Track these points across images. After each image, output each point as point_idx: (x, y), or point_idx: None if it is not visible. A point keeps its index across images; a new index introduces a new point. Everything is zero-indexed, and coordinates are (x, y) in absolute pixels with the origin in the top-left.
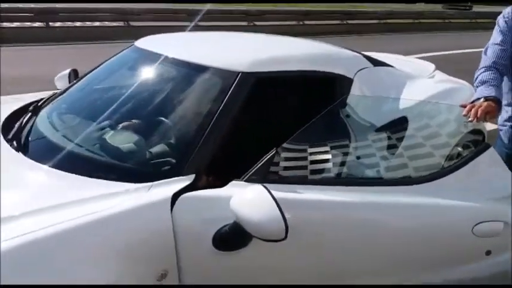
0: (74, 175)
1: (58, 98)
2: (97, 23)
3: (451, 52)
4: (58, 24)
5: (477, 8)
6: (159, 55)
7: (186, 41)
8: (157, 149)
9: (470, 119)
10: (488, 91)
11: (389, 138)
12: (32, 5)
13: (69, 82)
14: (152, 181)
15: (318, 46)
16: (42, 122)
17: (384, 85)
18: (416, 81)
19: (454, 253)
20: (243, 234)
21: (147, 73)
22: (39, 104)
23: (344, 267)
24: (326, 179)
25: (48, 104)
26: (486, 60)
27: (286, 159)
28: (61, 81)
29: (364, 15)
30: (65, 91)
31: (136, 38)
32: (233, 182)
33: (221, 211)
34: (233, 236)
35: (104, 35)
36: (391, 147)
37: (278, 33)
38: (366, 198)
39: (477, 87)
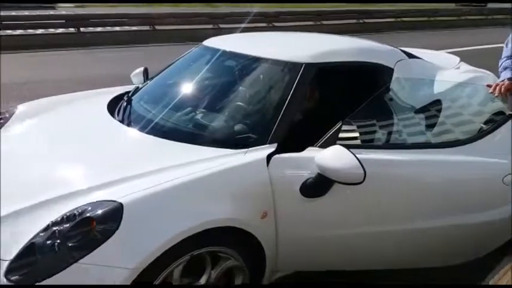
0: (185, 144)
1: (146, 88)
2: (126, 27)
3: (468, 48)
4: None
5: (492, 5)
6: (232, 52)
7: (250, 40)
8: (245, 124)
9: (496, 95)
10: (510, 74)
11: (431, 111)
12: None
13: (143, 78)
14: (245, 148)
15: (362, 41)
16: (144, 105)
17: (418, 74)
18: (444, 71)
19: (488, 199)
20: (325, 184)
21: (224, 67)
22: (130, 93)
23: (402, 211)
24: (386, 144)
25: (138, 92)
26: (507, 50)
27: (349, 130)
28: (137, 77)
29: (380, 14)
30: (149, 83)
31: (161, 41)
32: (309, 148)
33: (304, 168)
34: (316, 185)
35: (131, 39)
36: (433, 117)
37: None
38: (416, 157)
39: (501, 72)
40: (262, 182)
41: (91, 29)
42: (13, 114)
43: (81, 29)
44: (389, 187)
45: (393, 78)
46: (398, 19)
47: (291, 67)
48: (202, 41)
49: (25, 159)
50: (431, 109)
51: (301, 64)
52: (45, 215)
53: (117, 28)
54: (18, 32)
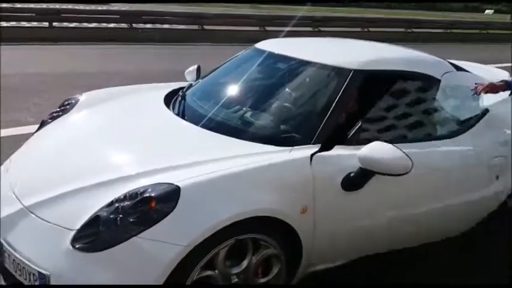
0: (235, 138)
1: (198, 85)
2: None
3: None
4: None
5: None
6: (283, 56)
7: (302, 44)
8: (291, 125)
9: (474, 93)
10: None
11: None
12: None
13: (197, 75)
14: (289, 147)
15: (411, 51)
16: (199, 101)
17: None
18: None
19: (478, 179)
20: (366, 177)
21: (274, 69)
22: (185, 88)
23: (420, 195)
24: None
25: (190, 89)
26: None
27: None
28: (190, 74)
29: (429, 23)
30: (203, 80)
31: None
32: (336, 146)
33: (345, 164)
34: (358, 178)
35: (179, 38)
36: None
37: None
38: (425, 148)
39: None
40: (305, 178)
41: (142, 25)
42: (78, 101)
43: (134, 25)
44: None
45: (440, 90)
46: (448, 30)
47: (340, 72)
48: (247, 42)
49: (91, 142)
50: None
51: (350, 70)
52: (109, 193)
53: (167, 26)
54: (73, 24)
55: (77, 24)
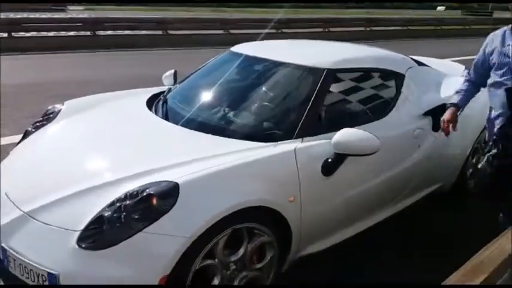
0: (222, 137)
1: (179, 88)
2: (143, 32)
3: (471, 57)
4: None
5: (498, 15)
6: (260, 58)
7: (275, 47)
8: (272, 122)
9: (447, 134)
10: (456, 99)
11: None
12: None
13: (174, 80)
14: (274, 142)
15: (376, 50)
16: (183, 103)
17: (427, 80)
18: (450, 78)
19: (407, 149)
20: (340, 161)
21: (252, 71)
22: (166, 92)
23: (389, 162)
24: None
25: (171, 93)
26: (470, 74)
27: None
28: (167, 79)
29: (387, 22)
30: (180, 83)
31: (175, 46)
32: (305, 138)
33: (322, 153)
34: (334, 163)
35: (144, 43)
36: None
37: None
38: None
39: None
40: (291, 170)
41: (103, 32)
42: (60, 110)
43: (96, 32)
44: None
45: (404, 83)
46: (405, 28)
47: (314, 72)
48: (213, 45)
49: (81, 148)
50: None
51: (323, 69)
52: (107, 194)
53: (129, 32)
54: (33, 33)
55: (36, 33)
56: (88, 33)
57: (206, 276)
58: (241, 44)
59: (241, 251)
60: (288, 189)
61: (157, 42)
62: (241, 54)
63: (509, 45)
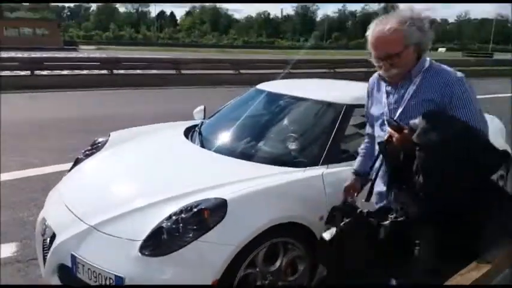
0: (256, 163)
1: (214, 120)
2: (157, 71)
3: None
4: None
5: (498, 56)
6: (284, 95)
7: (297, 85)
8: (301, 150)
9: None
10: (355, 164)
11: None
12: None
13: (203, 114)
14: (303, 167)
15: None
16: (216, 133)
17: None
18: None
19: None
20: None
21: (278, 106)
22: (200, 124)
23: None
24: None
25: (206, 124)
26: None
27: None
28: (198, 114)
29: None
30: (212, 116)
31: (187, 85)
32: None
33: (345, 177)
34: None
35: (158, 82)
36: None
37: None
38: None
39: None
40: (319, 191)
41: (122, 71)
42: (107, 140)
43: (114, 71)
44: None
45: None
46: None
47: (335, 107)
48: (224, 84)
49: (133, 171)
50: None
51: (343, 105)
52: (165, 209)
53: (139, 71)
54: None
55: (58, 71)
56: (105, 71)
57: (248, 284)
58: (265, 83)
59: (277, 263)
60: (317, 208)
61: (171, 81)
62: (264, 91)
63: (384, 92)
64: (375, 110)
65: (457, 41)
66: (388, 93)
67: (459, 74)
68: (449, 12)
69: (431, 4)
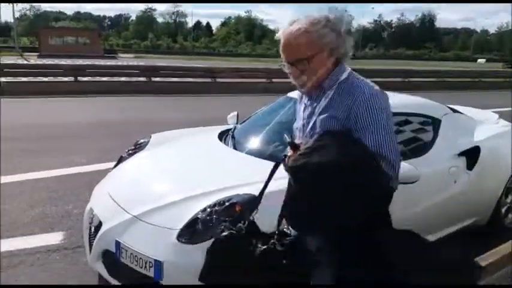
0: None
1: (246, 125)
2: (190, 79)
3: (507, 109)
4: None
5: None
6: None
7: None
8: None
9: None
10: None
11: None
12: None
13: (237, 119)
14: None
15: (415, 98)
16: (248, 136)
17: (461, 125)
18: (484, 124)
19: (443, 183)
20: None
21: None
22: (233, 129)
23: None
24: None
25: (239, 129)
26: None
27: None
28: (231, 119)
29: (425, 73)
30: (245, 121)
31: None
32: None
33: None
34: None
35: (194, 89)
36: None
37: None
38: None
39: None
40: None
41: (159, 79)
42: (149, 141)
43: (152, 78)
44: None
45: (440, 127)
46: (441, 79)
47: None
48: (258, 92)
49: (173, 168)
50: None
51: None
52: (201, 202)
53: (183, 79)
54: (96, 78)
55: (99, 78)
56: (143, 78)
57: None
58: (295, 91)
59: None
60: None
61: (206, 88)
62: (295, 99)
63: (303, 104)
64: (295, 124)
65: (497, 52)
66: (305, 106)
67: (374, 90)
68: (490, 23)
69: (472, 15)
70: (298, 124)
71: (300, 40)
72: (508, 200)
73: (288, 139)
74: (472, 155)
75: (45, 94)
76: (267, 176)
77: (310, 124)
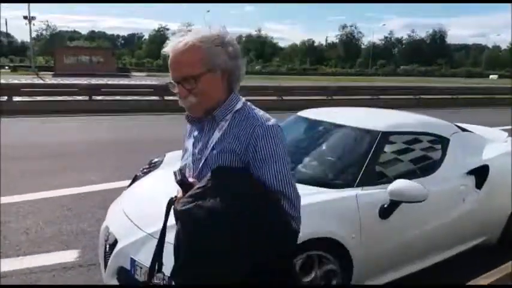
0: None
1: None
2: None
3: None
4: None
5: None
6: (324, 121)
7: (336, 113)
8: (338, 173)
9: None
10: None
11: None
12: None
13: None
14: (340, 189)
15: (423, 117)
16: None
17: (469, 144)
18: (492, 143)
19: (452, 201)
20: (394, 206)
21: (318, 132)
22: None
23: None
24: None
25: None
26: None
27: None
28: None
29: (438, 90)
30: None
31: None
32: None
33: (378, 199)
34: (390, 208)
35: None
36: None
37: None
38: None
39: None
40: (354, 211)
41: (172, 97)
42: (163, 160)
43: (165, 97)
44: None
45: (449, 146)
46: (454, 96)
47: (372, 134)
48: (268, 110)
49: None
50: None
51: (378, 132)
52: None
53: None
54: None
55: (112, 97)
56: (156, 97)
57: None
58: (307, 110)
59: (312, 274)
60: (351, 227)
61: None
62: (307, 118)
63: (192, 138)
64: (182, 161)
65: (509, 68)
66: (195, 140)
67: (271, 122)
68: (502, 39)
69: (483, 30)
70: (188, 161)
71: (187, 56)
72: None
73: (178, 177)
74: (481, 174)
75: (60, 113)
76: (163, 217)
77: (202, 160)
